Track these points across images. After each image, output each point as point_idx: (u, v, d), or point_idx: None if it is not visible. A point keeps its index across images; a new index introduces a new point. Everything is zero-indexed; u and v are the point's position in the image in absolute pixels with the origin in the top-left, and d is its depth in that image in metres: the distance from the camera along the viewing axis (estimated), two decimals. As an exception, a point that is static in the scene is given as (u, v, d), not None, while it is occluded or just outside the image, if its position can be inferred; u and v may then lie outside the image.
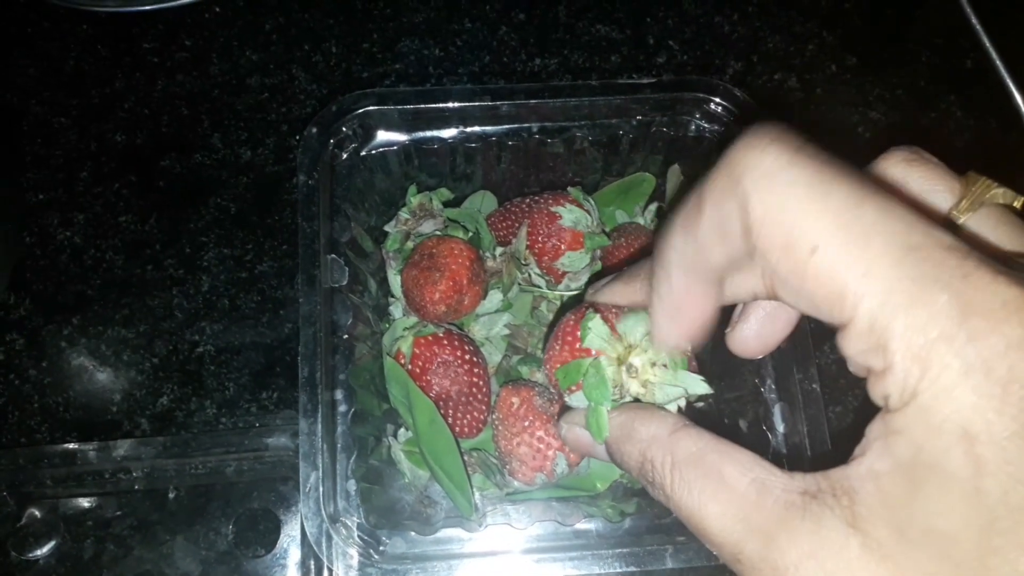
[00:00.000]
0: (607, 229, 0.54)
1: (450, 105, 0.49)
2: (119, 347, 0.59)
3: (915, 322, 0.21)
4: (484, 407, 0.48)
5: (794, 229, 0.23)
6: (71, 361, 0.59)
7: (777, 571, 0.24)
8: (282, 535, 0.55)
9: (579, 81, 0.49)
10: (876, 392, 0.23)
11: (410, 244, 0.52)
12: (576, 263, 0.52)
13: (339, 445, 0.43)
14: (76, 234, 0.61)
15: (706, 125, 0.50)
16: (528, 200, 0.54)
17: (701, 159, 0.52)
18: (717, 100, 0.49)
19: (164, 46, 0.66)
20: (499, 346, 0.52)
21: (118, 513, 0.56)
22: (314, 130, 0.48)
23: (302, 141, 0.47)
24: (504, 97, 0.49)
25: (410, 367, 0.48)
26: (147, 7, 0.64)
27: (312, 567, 0.54)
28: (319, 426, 0.42)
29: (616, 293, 0.34)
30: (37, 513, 0.55)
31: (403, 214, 0.53)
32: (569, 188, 0.53)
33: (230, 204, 0.62)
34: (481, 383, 0.48)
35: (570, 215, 0.52)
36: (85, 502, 0.56)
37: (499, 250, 0.53)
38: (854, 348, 0.23)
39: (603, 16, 0.68)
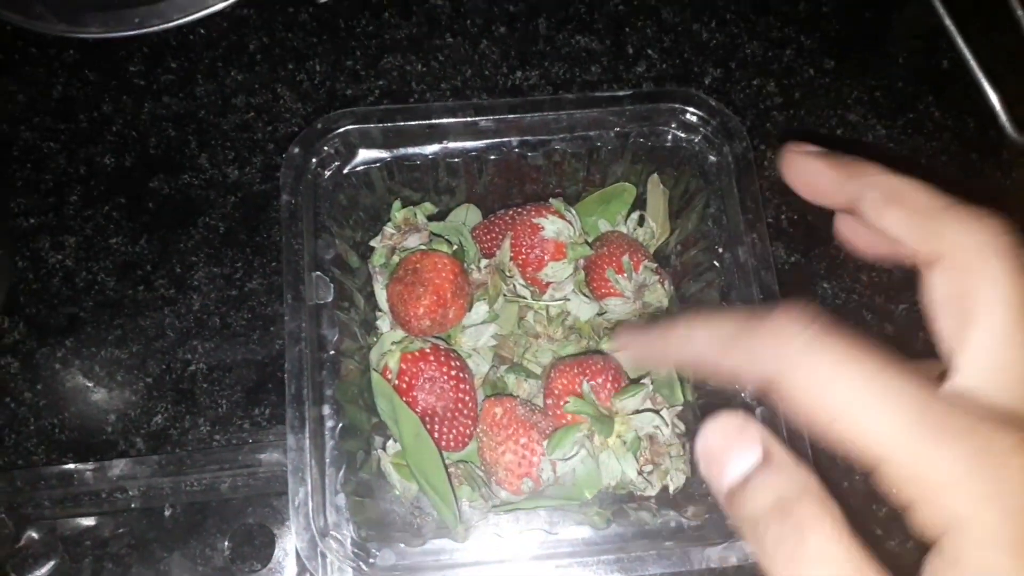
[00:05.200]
0: (589, 239, 0.55)
1: (431, 121, 0.50)
2: (113, 368, 0.60)
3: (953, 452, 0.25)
4: (470, 421, 0.49)
5: (827, 403, 0.26)
6: (65, 383, 0.60)
7: None
8: (277, 549, 0.56)
9: (559, 94, 0.50)
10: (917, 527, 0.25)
11: (396, 259, 0.52)
12: (559, 273, 0.53)
13: (327, 460, 0.44)
14: (67, 257, 0.62)
15: (682, 135, 0.51)
16: (511, 212, 0.55)
17: (678, 168, 0.53)
18: (692, 110, 0.50)
19: (150, 69, 0.67)
20: (486, 356, 0.53)
21: (115, 532, 0.56)
22: (296, 149, 0.49)
23: (285, 160, 0.48)
24: (484, 112, 0.50)
25: (396, 382, 0.48)
26: (132, 32, 0.64)
27: (308, 580, 0.55)
28: (307, 441, 0.43)
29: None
30: (35, 534, 0.56)
31: (388, 229, 0.54)
32: (551, 200, 0.54)
33: (219, 223, 0.63)
34: (467, 398, 0.49)
35: (552, 226, 0.53)
36: (83, 522, 0.56)
37: (484, 262, 0.54)
38: (893, 486, 0.25)
39: (583, 27, 0.69)
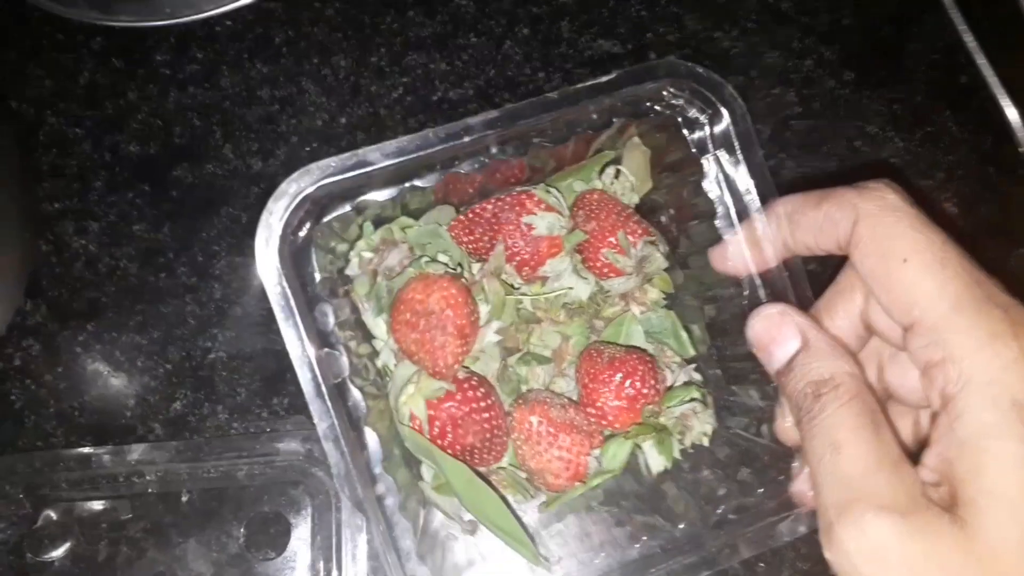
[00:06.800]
0: (568, 205, 0.52)
1: (401, 160, 0.44)
2: (133, 353, 0.60)
3: (976, 324, 0.30)
4: (504, 439, 0.48)
5: (893, 245, 0.33)
6: (86, 366, 0.60)
7: None
8: (292, 538, 0.57)
9: (538, 98, 0.47)
10: (935, 384, 0.31)
11: (380, 281, 0.49)
12: (558, 266, 0.51)
13: (401, 548, 0.43)
14: (91, 242, 0.62)
15: (674, 103, 0.48)
16: (492, 206, 0.51)
17: (667, 133, 0.50)
18: (681, 80, 0.46)
19: (176, 59, 0.67)
20: (493, 354, 0.51)
21: (132, 516, 0.57)
22: (263, 237, 0.44)
23: (257, 245, 0.44)
24: (458, 136, 0.44)
25: (427, 429, 0.46)
26: (160, 22, 0.65)
27: (321, 569, 0.56)
28: (379, 537, 0.42)
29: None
30: (53, 515, 0.57)
31: (364, 253, 0.50)
32: (533, 188, 0.51)
33: (241, 213, 0.63)
34: (499, 422, 0.48)
35: (543, 222, 0.49)
36: (100, 505, 0.57)
37: (476, 267, 0.51)
38: (919, 342, 0.31)
39: (605, 32, 0.69)
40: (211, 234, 0.63)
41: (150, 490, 0.57)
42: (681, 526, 0.46)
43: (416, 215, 0.52)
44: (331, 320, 0.46)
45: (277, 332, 0.60)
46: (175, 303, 0.61)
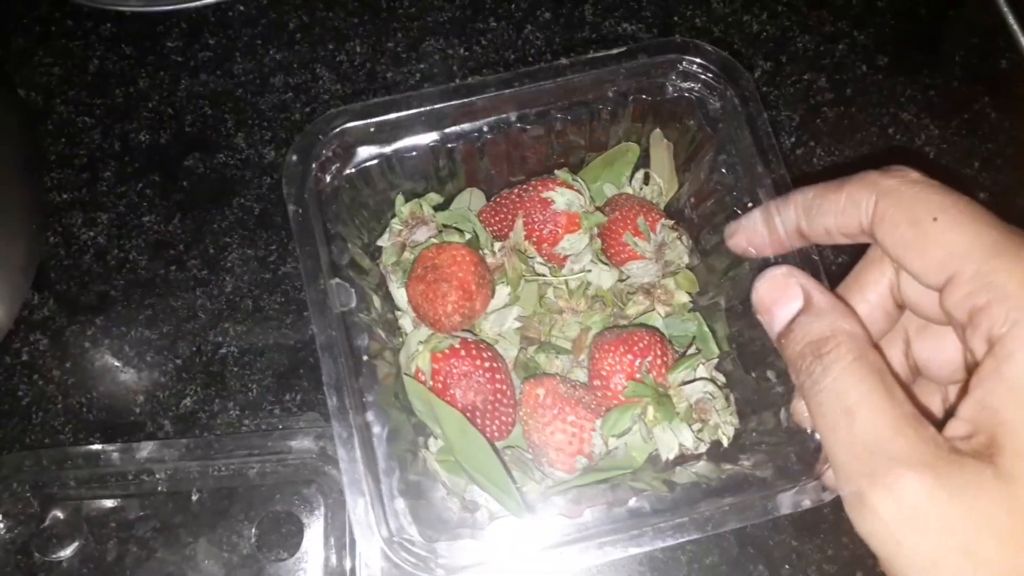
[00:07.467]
0: (597, 205, 0.53)
1: (425, 108, 0.47)
2: (143, 348, 0.59)
3: (1018, 266, 0.29)
4: (511, 409, 0.48)
5: (919, 209, 0.32)
6: (94, 362, 0.59)
7: None
8: (305, 538, 0.55)
9: (552, 62, 0.48)
10: (980, 330, 0.29)
11: (407, 255, 0.51)
12: (576, 245, 0.52)
13: (381, 467, 0.42)
14: (100, 234, 0.61)
15: (682, 84, 0.48)
16: (517, 190, 0.53)
17: (681, 119, 0.51)
18: (690, 58, 0.47)
19: (188, 45, 0.66)
20: (513, 340, 0.52)
21: (141, 515, 0.55)
22: (294, 157, 0.46)
23: (285, 170, 0.46)
24: (478, 91, 0.48)
25: (431, 383, 0.47)
26: (171, 7, 0.63)
27: (335, 571, 0.54)
28: (358, 452, 0.41)
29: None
30: (60, 514, 0.55)
31: (395, 225, 0.52)
32: (556, 171, 0.52)
33: (254, 204, 0.62)
34: (504, 387, 0.47)
35: (562, 198, 0.51)
36: (108, 504, 0.56)
37: (498, 245, 0.52)
38: (960, 292, 0.30)
39: (630, 15, 0.67)
40: (222, 226, 0.61)
41: (160, 489, 0.55)
42: (678, 494, 0.44)
43: (447, 196, 0.54)
44: (346, 258, 0.47)
45: (289, 327, 0.59)
46: (185, 297, 0.60)
